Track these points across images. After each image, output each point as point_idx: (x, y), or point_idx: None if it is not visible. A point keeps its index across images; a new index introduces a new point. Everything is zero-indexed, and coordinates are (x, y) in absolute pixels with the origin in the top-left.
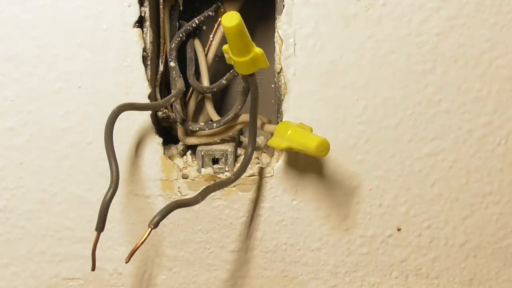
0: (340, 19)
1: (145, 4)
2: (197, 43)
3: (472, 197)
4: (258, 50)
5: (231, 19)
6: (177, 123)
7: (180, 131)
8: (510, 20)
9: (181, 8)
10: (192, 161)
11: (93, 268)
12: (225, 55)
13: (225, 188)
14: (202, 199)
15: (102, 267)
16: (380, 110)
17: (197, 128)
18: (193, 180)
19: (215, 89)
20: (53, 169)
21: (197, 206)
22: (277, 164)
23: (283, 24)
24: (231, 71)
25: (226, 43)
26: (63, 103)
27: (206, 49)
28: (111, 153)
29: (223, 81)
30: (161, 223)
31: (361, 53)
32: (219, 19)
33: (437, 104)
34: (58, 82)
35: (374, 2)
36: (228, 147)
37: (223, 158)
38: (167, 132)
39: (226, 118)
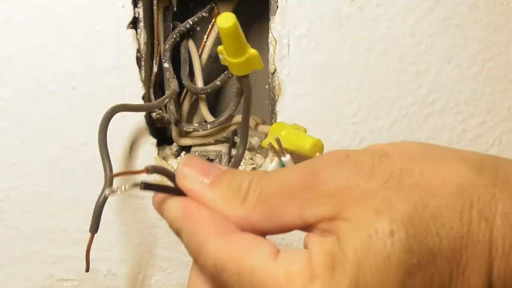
0: (334, 19)
1: (139, 5)
2: (191, 44)
3: None
4: (252, 51)
5: (226, 20)
6: (171, 124)
7: (174, 132)
8: (503, 21)
9: (175, 9)
10: None
11: (87, 269)
12: (220, 56)
13: None
14: None
15: (97, 268)
16: (374, 110)
17: (191, 129)
18: None
19: (209, 90)
20: (47, 170)
21: None
22: (271, 165)
23: (277, 25)
24: (225, 72)
25: (220, 43)
26: (57, 104)
27: (200, 50)
28: (105, 154)
29: (217, 82)
30: (155, 223)
31: (355, 53)
32: (213, 20)
33: (430, 104)
34: (52, 83)
35: (368, 3)
36: (222, 148)
37: (217, 159)
38: (161, 133)
39: (220, 119)
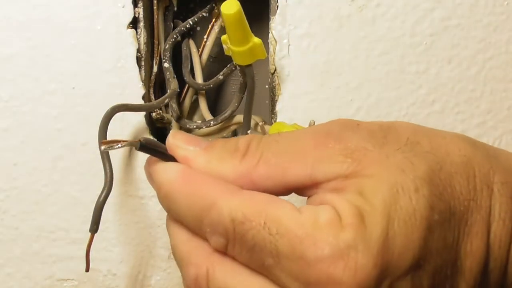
0: (334, 19)
1: (139, 5)
2: (191, 44)
3: None
4: (256, 39)
5: (230, 6)
6: (172, 124)
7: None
8: (503, 21)
9: (175, 8)
10: None
11: (87, 269)
12: (224, 46)
13: None
14: None
15: (96, 268)
16: (374, 111)
17: (194, 126)
18: None
19: (211, 85)
20: (47, 170)
21: None
22: None
23: (277, 25)
24: (228, 65)
25: (220, 44)
26: (57, 104)
27: (200, 50)
28: (105, 154)
29: (220, 77)
30: (154, 223)
31: (355, 53)
32: (213, 20)
33: (431, 104)
34: (52, 83)
35: (368, 3)
36: None
37: None
38: (161, 133)
39: (223, 115)
